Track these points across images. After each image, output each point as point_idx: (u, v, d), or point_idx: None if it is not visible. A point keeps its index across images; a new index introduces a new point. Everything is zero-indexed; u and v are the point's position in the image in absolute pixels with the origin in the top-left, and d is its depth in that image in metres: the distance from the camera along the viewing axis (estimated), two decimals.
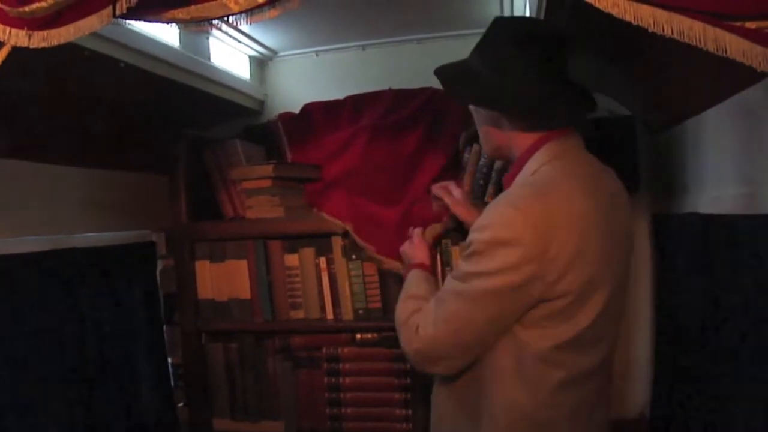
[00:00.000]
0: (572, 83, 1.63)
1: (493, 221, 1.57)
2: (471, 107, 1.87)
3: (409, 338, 1.74)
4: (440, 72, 1.86)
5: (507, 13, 2.75)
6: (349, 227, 2.61)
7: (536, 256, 1.50)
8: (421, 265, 2.10)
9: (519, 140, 1.72)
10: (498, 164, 2.59)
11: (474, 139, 2.54)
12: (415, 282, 1.98)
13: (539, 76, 1.62)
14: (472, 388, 1.70)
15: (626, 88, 1.86)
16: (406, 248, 2.26)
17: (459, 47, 3.04)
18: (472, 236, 1.61)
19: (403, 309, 1.84)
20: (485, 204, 1.92)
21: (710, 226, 1.84)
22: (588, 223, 1.54)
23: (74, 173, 2.40)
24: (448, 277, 1.71)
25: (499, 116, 1.72)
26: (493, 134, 1.78)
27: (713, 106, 1.84)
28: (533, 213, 1.52)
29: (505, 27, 1.72)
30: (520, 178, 1.69)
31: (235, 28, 2.77)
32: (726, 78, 1.59)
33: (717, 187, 1.79)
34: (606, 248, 1.57)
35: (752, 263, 1.49)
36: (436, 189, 2.37)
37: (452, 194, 2.31)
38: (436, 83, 2.75)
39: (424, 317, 1.70)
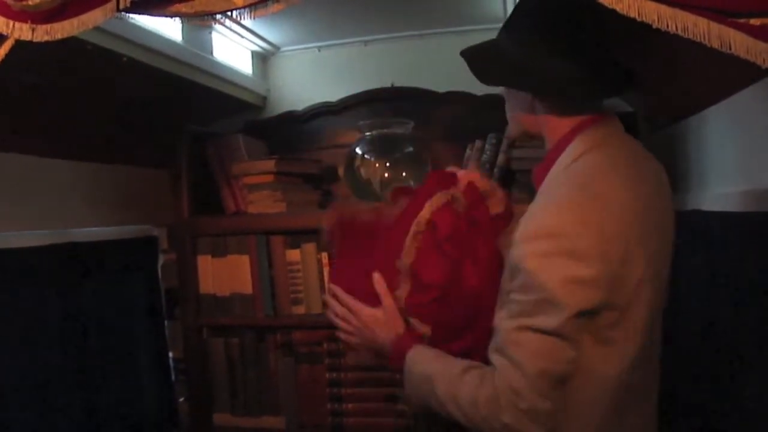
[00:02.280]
0: (612, 61, 1.49)
1: (547, 229, 1.35)
2: (500, 90, 1.68)
3: (495, 413, 1.36)
4: (467, 53, 1.68)
5: (509, 9, 2.75)
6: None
7: (601, 264, 1.30)
8: (404, 338, 1.66)
9: (553, 126, 1.54)
10: (501, 159, 2.59)
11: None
12: (430, 360, 1.58)
13: (575, 54, 1.44)
14: None
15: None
16: (370, 328, 1.72)
17: (461, 43, 3.03)
18: (520, 251, 1.36)
19: (462, 394, 1.44)
20: None
21: (713, 224, 1.84)
22: (637, 219, 1.36)
23: (76, 167, 2.41)
24: (504, 317, 1.40)
25: (531, 99, 1.54)
26: (526, 120, 1.61)
27: (716, 104, 1.84)
28: (589, 216, 1.33)
29: (536, 1, 1.54)
30: (556, 172, 1.49)
31: (238, 23, 2.77)
32: (729, 75, 1.59)
33: (720, 185, 1.78)
34: (654, 245, 1.41)
35: (756, 262, 1.49)
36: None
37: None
38: (434, 81, 2.77)
39: (503, 376, 1.36)
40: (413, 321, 1.66)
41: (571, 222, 1.31)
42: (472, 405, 1.40)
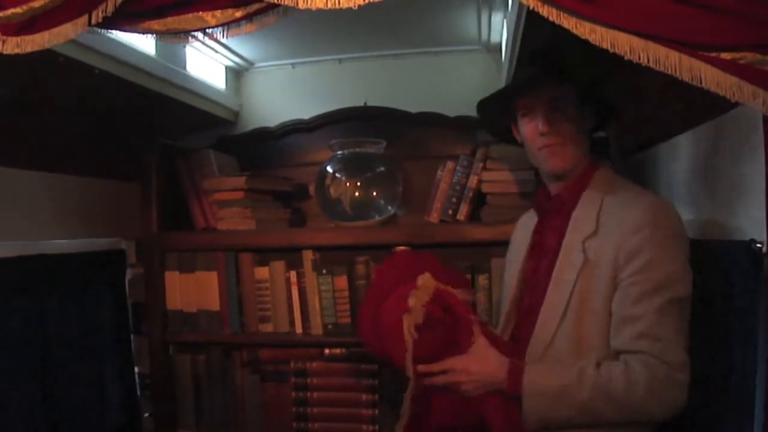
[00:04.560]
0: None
1: (657, 217, 1.63)
2: (572, 129, 1.81)
3: (657, 393, 1.54)
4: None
5: (484, 31, 2.76)
6: None
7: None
8: (512, 365, 1.69)
9: (587, 156, 1.86)
10: (472, 182, 2.60)
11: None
12: (547, 374, 1.65)
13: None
14: None
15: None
16: (472, 368, 1.73)
17: (435, 64, 3.10)
18: (638, 239, 1.60)
19: (613, 386, 1.56)
20: None
21: None
22: None
23: (45, 179, 2.38)
24: (637, 304, 1.57)
25: (589, 126, 1.88)
26: (584, 144, 1.86)
27: (685, 132, 1.85)
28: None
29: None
30: (596, 189, 1.80)
31: (213, 38, 2.76)
32: (699, 105, 1.61)
33: (688, 212, 1.80)
34: None
35: (724, 289, 1.50)
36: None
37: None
38: (407, 101, 2.78)
39: (660, 347, 1.54)
40: None
41: (673, 211, 1.66)
42: (629, 391, 1.54)
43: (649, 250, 1.58)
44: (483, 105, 2.02)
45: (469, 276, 2.56)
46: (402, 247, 2.37)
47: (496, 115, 2.04)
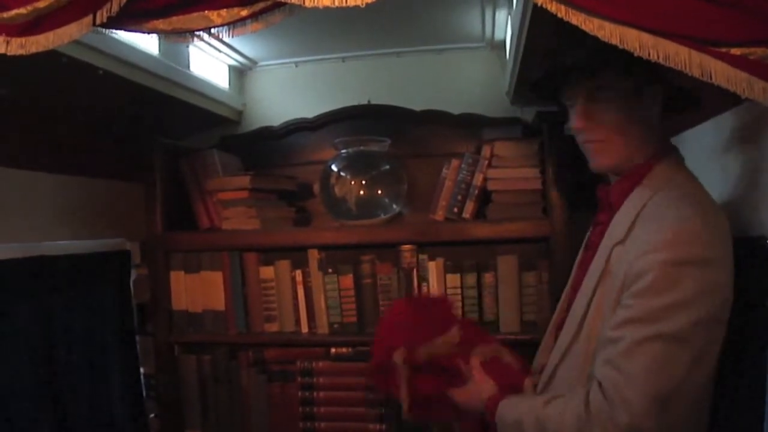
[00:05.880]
0: None
1: (678, 238, 1.37)
2: (617, 111, 1.57)
3: (584, 428, 1.41)
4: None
5: (488, 28, 2.75)
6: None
7: (728, 271, 1.37)
8: (496, 395, 1.69)
9: (644, 147, 1.57)
10: (477, 180, 2.59)
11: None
12: (516, 405, 1.62)
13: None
14: None
15: None
16: (461, 396, 1.80)
17: (439, 61, 3.09)
18: (649, 260, 1.37)
19: (550, 421, 1.48)
20: None
21: None
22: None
23: (49, 180, 2.37)
24: (619, 326, 1.41)
25: (654, 112, 1.57)
26: (630, 143, 1.57)
27: (694, 126, 1.84)
28: (716, 227, 1.39)
29: None
30: (647, 189, 1.53)
31: (216, 38, 2.75)
32: (707, 100, 1.60)
33: None
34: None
35: (735, 286, 1.49)
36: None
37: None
38: (411, 99, 2.76)
39: (611, 389, 1.37)
40: None
41: (703, 231, 1.37)
42: (559, 425, 1.45)
43: (652, 276, 1.36)
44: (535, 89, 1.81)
45: (475, 274, 2.55)
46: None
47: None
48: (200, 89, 2.82)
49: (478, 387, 1.74)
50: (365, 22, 2.63)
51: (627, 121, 1.55)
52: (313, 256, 2.67)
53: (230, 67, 3.19)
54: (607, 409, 1.36)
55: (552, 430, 1.47)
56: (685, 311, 1.32)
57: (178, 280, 2.79)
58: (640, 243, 1.42)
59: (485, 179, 2.62)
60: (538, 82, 1.74)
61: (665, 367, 1.33)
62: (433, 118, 2.85)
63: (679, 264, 1.35)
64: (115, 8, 1.40)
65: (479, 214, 2.67)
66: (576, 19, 1.16)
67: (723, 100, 1.50)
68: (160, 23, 1.47)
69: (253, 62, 3.22)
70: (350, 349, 2.67)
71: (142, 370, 2.88)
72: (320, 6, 1.26)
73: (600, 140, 1.59)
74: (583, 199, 1.97)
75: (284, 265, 2.72)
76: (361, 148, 2.84)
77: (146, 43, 2.38)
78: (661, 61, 1.11)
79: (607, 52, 1.28)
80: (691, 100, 1.61)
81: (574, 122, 1.60)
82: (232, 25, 1.47)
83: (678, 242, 1.36)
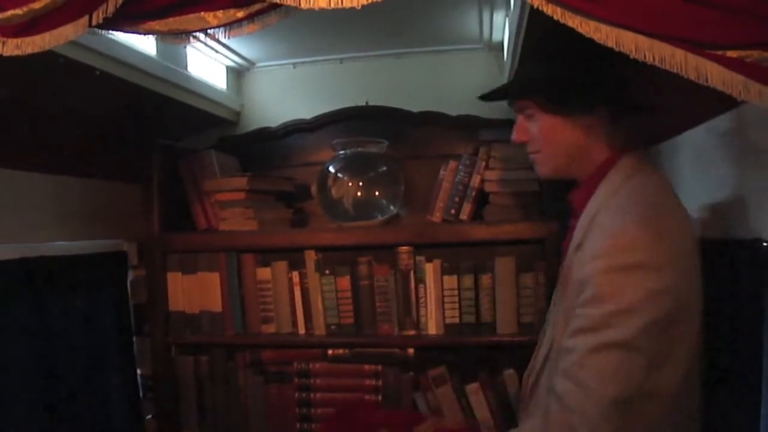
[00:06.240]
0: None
1: (622, 244, 1.37)
2: (535, 128, 1.65)
3: None
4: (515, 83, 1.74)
5: (485, 30, 2.75)
6: None
7: (675, 275, 1.35)
8: None
9: (598, 152, 1.60)
10: (475, 181, 2.59)
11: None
12: None
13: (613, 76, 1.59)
14: None
15: None
16: None
17: (436, 63, 3.09)
18: (594, 266, 1.39)
19: None
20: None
21: None
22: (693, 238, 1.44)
23: (47, 180, 2.37)
24: (572, 335, 1.42)
25: (592, 124, 1.59)
26: (573, 150, 1.61)
27: (687, 130, 1.84)
28: (663, 230, 1.38)
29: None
30: (605, 193, 1.54)
31: (214, 39, 2.75)
32: (702, 103, 1.60)
33: (690, 210, 1.79)
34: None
35: (729, 289, 1.49)
36: None
37: None
38: (408, 100, 2.77)
39: (568, 400, 1.38)
40: None
41: (646, 235, 1.35)
42: None
43: (597, 283, 1.37)
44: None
45: (472, 275, 2.55)
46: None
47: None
48: (198, 90, 2.82)
49: None
50: (363, 23, 2.63)
51: (562, 133, 1.61)
52: (311, 257, 2.67)
53: (228, 68, 3.20)
54: (566, 423, 1.36)
55: None
56: (630, 318, 1.32)
57: (176, 281, 2.78)
58: (590, 250, 1.44)
59: (483, 181, 2.62)
60: (483, 97, 1.78)
61: (617, 374, 1.34)
62: (431, 120, 2.84)
63: (619, 270, 1.35)
64: (111, 9, 1.40)
65: (476, 216, 2.66)
66: (572, 21, 1.16)
67: (716, 103, 1.50)
68: (157, 24, 1.47)
69: (251, 63, 3.22)
70: (347, 351, 2.66)
71: (139, 371, 2.88)
72: (316, 7, 1.26)
73: (537, 151, 1.66)
74: None
75: (281, 266, 2.71)
76: (359, 149, 2.84)
77: (144, 43, 2.37)
78: (657, 63, 1.11)
79: (533, 87, 1.53)
80: (644, 110, 1.67)
81: (512, 135, 1.69)
82: (229, 26, 1.47)
83: (618, 249, 1.36)
